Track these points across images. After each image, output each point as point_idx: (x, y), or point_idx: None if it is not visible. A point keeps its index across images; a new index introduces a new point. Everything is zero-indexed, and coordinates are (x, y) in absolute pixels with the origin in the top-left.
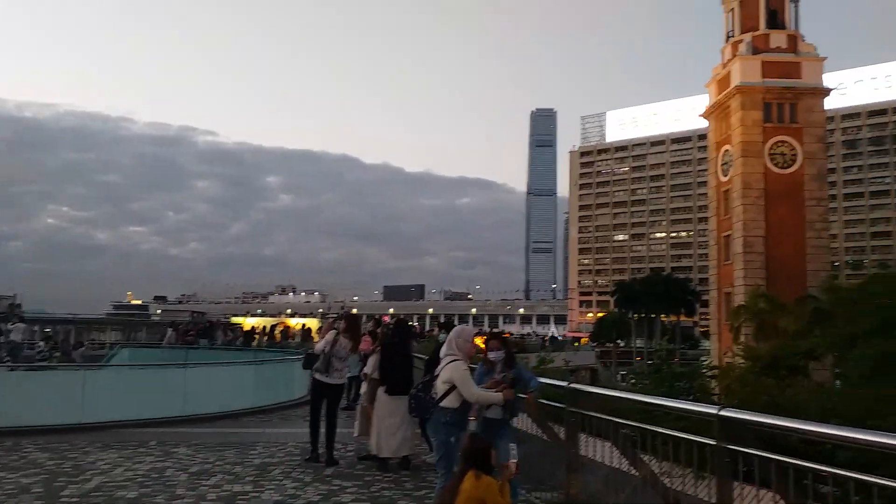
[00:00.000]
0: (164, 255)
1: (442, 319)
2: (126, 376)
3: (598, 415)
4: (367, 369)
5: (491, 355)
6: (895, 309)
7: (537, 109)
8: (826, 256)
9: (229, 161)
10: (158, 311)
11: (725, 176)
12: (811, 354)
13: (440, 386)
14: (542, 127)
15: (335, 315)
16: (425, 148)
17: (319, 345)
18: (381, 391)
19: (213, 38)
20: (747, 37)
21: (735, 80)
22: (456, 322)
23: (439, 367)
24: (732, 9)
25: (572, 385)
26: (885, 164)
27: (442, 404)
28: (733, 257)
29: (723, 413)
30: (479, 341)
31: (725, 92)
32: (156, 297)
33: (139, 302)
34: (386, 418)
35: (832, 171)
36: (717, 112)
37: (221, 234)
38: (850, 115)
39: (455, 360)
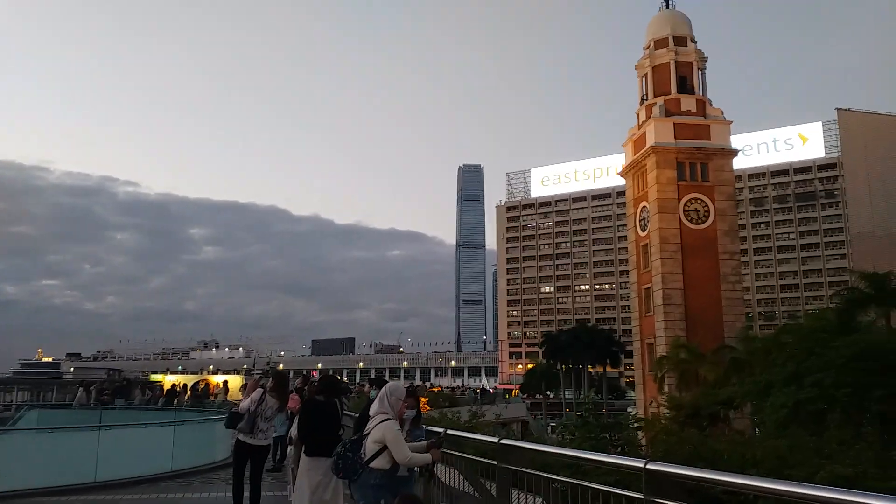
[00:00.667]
0: (79, 309)
1: (373, 374)
2: (33, 441)
3: (529, 470)
4: (293, 430)
5: (405, 413)
6: (805, 359)
7: (465, 165)
8: (740, 308)
9: (151, 212)
10: (71, 370)
11: (644, 231)
12: (730, 403)
13: (370, 446)
14: (470, 182)
15: (260, 371)
16: (355, 200)
17: (244, 403)
18: (302, 452)
19: (136, 84)
20: (660, 100)
21: (650, 141)
22: (387, 377)
23: (369, 425)
24: (646, 74)
25: (503, 441)
26: (790, 220)
27: (372, 465)
28: (654, 309)
29: (649, 466)
30: None
31: (642, 151)
32: (68, 353)
33: (50, 359)
34: (307, 481)
35: (742, 226)
36: (633, 170)
37: (141, 287)
38: (756, 174)
39: (387, 420)
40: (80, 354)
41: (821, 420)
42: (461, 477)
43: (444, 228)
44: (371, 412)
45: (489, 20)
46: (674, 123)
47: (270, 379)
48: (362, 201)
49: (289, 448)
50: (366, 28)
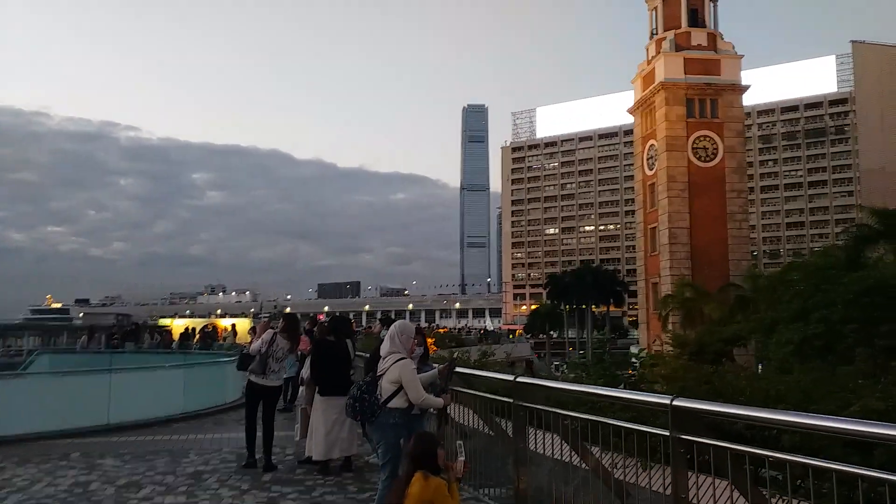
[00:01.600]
0: (86, 255)
1: (380, 315)
2: (44, 385)
3: (546, 408)
4: (304, 371)
5: (414, 351)
6: (812, 296)
7: (469, 105)
8: (746, 246)
9: (153, 157)
10: (81, 315)
11: (651, 170)
12: (735, 340)
13: (386, 386)
14: (474, 123)
15: (267, 315)
16: (358, 144)
17: (255, 345)
18: (316, 392)
19: (135, 29)
20: (670, 34)
21: (660, 77)
22: (394, 318)
23: (382, 364)
24: (656, 7)
25: (519, 379)
26: (798, 157)
27: (389, 405)
28: (660, 248)
29: (675, 403)
30: None
31: (651, 88)
32: (77, 300)
33: (59, 305)
34: (322, 420)
35: (749, 164)
36: (642, 108)
37: (146, 233)
38: (765, 111)
39: (402, 359)
40: (88, 300)
41: (826, 355)
42: (474, 415)
43: (448, 171)
44: (382, 352)
45: None
46: (684, 58)
47: (281, 320)
48: (365, 145)
49: (300, 389)
50: None
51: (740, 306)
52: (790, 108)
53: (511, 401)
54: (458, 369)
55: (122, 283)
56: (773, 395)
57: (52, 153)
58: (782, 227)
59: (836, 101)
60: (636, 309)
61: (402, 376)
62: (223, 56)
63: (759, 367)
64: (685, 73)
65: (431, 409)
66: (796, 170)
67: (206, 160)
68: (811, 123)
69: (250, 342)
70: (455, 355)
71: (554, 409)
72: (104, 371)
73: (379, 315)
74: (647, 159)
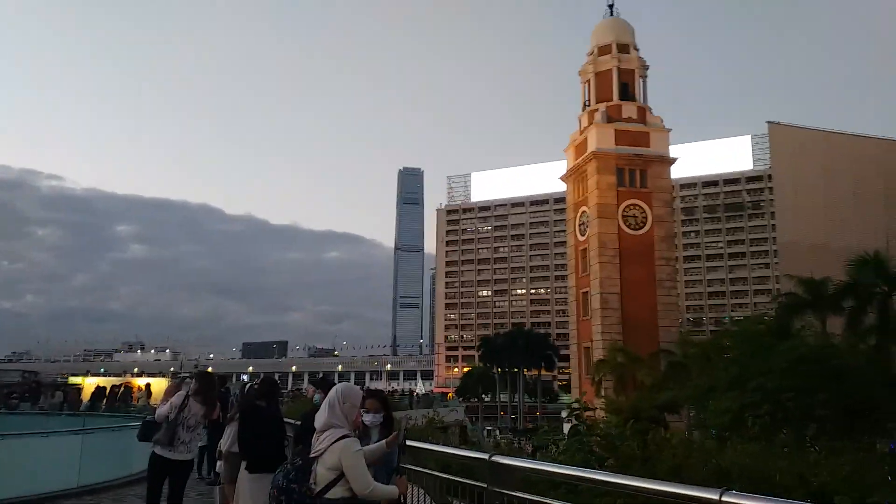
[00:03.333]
0: None
1: (306, 379)
2: None
3: (532, 497)
4: (223, 442)
5: (366, 418)
6: (746, 363)
7: (405, 168)
8: (675, 313)
9: (76, 208)
10: None
11: (583, 235)
12: (670, 407)
13: (322, 473)
14: (410, 185)
15: (187, 374)
16: (292, 201)
17: (163, 410)
18: (242, 468)
19: (61, 73)
20: (602, 106)
21: (592, 146)
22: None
23: (317, 442)
24: (589, 80)
25: (494, 458)
26: (719, 230)
27: (327, 496)
28: (591, 313)
29: (725, 499)
30: None
31: (583, 157)
32: None
33: None
34: (251, 503)
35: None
36: (574, 175)
37: (63, 286)
38: (688, 184)
39: (343, 437)
40: None
41: (769, 425)
42: (425, 498)
43: (382, 231)
44: (317, 424)
45: (429, 21)
46: (615, 130)
47: (194, 381)
48: (299, 202)
49: (217, 463)
50: (303, 28)
51: (672, 372)
52: (711, 182)
53: (485, 486)
54: (409, 442)
55: (33, 337)
56: (815, 481)
57: None
58: (704, 297)
59: (752, 178)
60: (567, 373)
61: (343, 461)
62: (155, 106)
63: (696, 433)
64: (616, 144)
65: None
66: (717, 241)
67: (132, 212)
68: (730, 198)
69: (159, 405)
70: (405, 424)
71: (542, 500)
72: None
73: (307, 377)
74: (579, 225)
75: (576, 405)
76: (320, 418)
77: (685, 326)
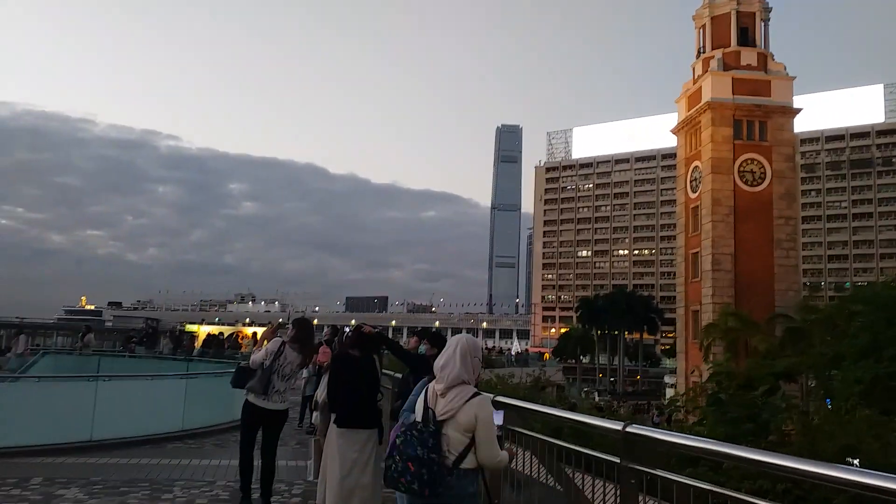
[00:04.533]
0: (122, 260)
1: (405, 333)
2: (18, 391)
3: (678, 477)
4: (319, 392)
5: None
6: (883, 330)
7: (503, 125)
8: (794, 276)
9: (192, 166)
10: (111, 317)
11: (694, 192)
12: (788, 375)
13: (456, 438)
14: (508, 143)
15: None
16: (392, 160)
17: (258, 356)
18: (331, 421)
19: (179, 40)
20: (718, 53)
21: (706, 96)
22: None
23: (445, 400)
24: (704, 25)
25: (630, 429)
26: (843, 188)
27: (462, 466)
28: (702, 274)
29: None
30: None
31: (696, 108)
32: (110, 302)
33: (92, 307)
34: (338, 459)
35: None
36: (686, 128)
37: (181, 240)
38: (809, 139)
39: (476, 395)
40: (121, 303)
41: None
42: (531, 459)
43: (479, 190)
44: (445, 379)
45: None
46: (732, 78)
47: (290, 327)
48: (399, 162)
49: (314, 414)
50: None
51: (790, 339)
52: (836, 136)
53: (618, 461)
54: (515, 402)
55: (155, 288)
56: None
57: (95, 159)
58: (824, 260)
59: (884, 132)
60: (670, 337)
61: (479, 422)
62: (264, 70)
63: (810, 405)
64: (733, 94)
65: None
66: (840, 201)
67: (242, 171)
68: (857, 153)
69: (253, 351)
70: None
71: (690, 481)
72: (90, 378)
73: (406, 332)
74: (691, 181)
75: (717, 368)
76: (449, 373)
77: (804, 291)
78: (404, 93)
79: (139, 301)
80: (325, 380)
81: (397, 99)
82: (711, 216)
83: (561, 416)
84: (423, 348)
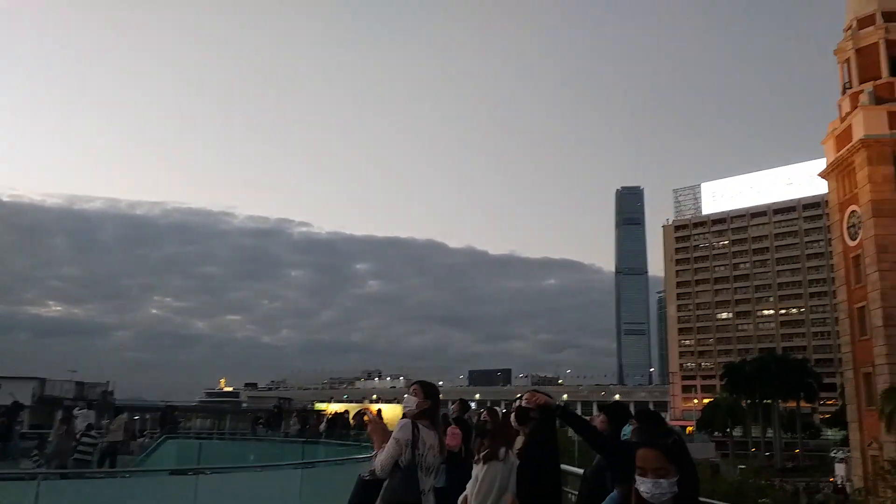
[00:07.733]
0: (258, 342)
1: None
2: (100, 488)
3: None
4: (470, 487)
5: None
6: None
7: (622, 187)
8: None
9: (322, 250)
10: (247, 398)
11: (854, 240)
12: None
13: None
14: (629, 205)
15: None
16: (509, 230)
17: (384, 456)
18: None
19: (308, 138)
20: (868, 86)
21: (858, 134)
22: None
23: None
24: (848, 58)
25: None
26: None
27: None
28: (872, 331)
29: None
30: None
31: (847, 147)
32: (246, 383)
33: (230, 389)
34: None
35: None
36: (837, 170)
37: (312, 320)
38: None
39: None
40: (256, 384)
41: None
42: None
43: (600, 255)
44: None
45: (641, 30)
46: (887, 112)
47: (411, 391)
48: (516, 231)
49: None
50: (512, 49)
51: None
52: None
53: None
54: None
55: (288, 368)
56: None
57: (233, 248)
58: None
59: None
60: (830, 405)
61: None
62: (386, 155)
63: None
64: (890, 128)
65: None
66: None
67: (368, 251)
68: None
69: (374, 453)
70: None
71: None
72: (189, 472)
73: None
74: (848, 228)
75: None
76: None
77: None
78: (519, 160)
79: (273, 381)
80: (483, 472)
81: (512, 167)
82: (878, 264)
83: None
84: (627, 429)
